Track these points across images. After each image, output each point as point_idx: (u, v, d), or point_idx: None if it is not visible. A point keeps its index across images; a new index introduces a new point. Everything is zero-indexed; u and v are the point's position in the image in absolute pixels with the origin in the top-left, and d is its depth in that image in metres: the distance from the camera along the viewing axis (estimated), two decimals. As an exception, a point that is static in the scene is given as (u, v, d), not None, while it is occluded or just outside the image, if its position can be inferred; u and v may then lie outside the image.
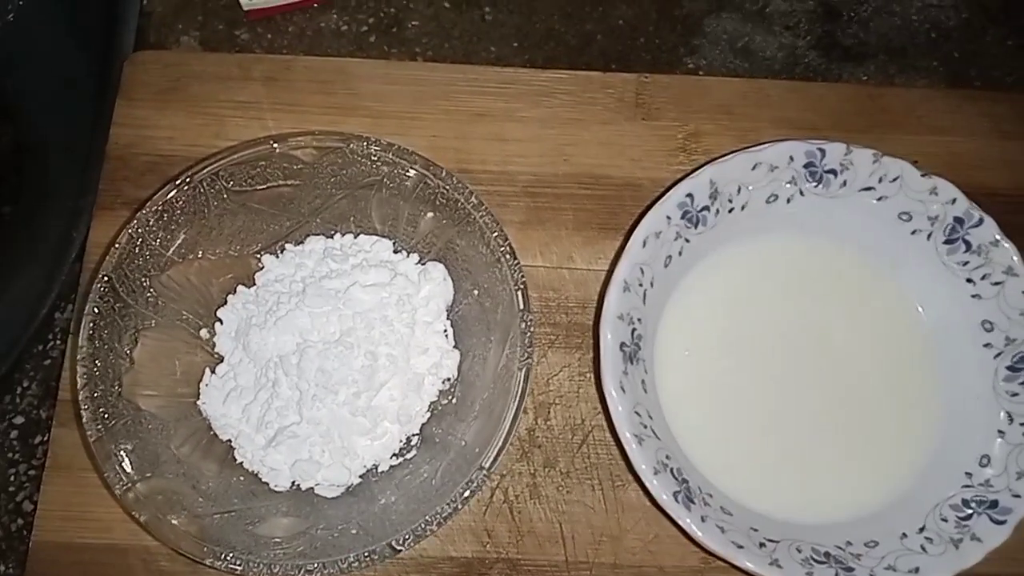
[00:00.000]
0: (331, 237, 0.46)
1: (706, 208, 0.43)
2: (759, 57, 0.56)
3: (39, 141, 0.51)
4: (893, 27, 0.57)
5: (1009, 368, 0.42)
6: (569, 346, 0.47)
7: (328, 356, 0.42)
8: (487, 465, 0.38)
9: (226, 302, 0.45)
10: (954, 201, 0.43)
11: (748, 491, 0.42)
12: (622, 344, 0.41)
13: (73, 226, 0.49)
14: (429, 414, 0.44)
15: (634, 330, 0.41)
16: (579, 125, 0.51)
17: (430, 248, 0.46)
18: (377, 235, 0.46)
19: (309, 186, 0.44)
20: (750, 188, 0.44)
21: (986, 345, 0.43)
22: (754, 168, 0.43)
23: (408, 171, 0.43)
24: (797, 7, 0.57)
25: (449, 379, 0.45)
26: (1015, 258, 0.42)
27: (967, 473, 0.41)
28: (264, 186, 0.43)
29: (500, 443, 0.39)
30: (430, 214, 0.44)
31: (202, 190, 0.42)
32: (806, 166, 0.44)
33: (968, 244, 0.43)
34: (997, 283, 0.42)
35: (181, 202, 0.42)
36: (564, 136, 0.51)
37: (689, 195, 0.43)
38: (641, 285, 0.42)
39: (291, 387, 0.42)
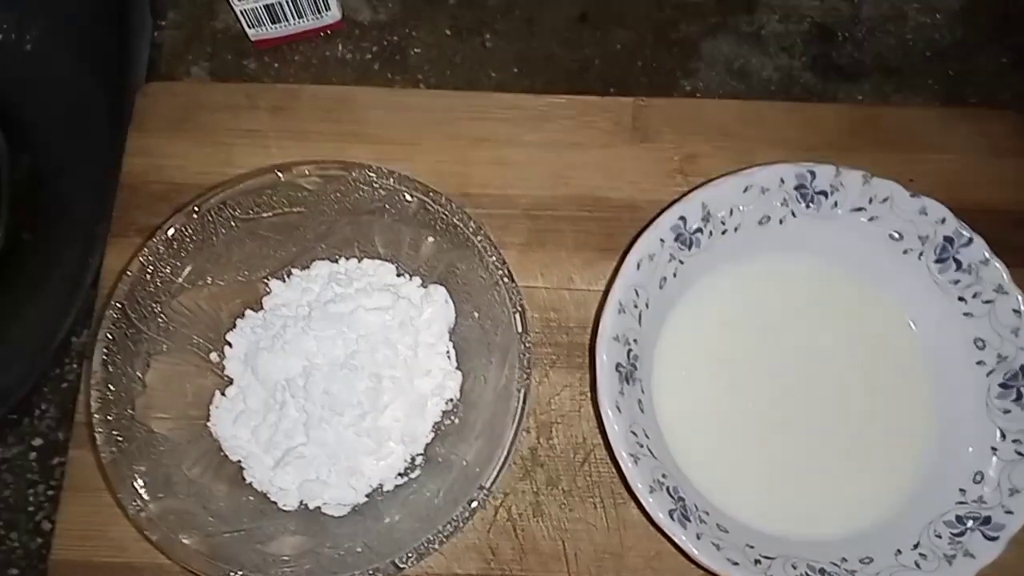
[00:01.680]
0: (336, 262, 0.47)
1: (699, 230, 0.44)
2: (755, 79, 0.56)
3: (55, 168, 0.52)
4: (888, 47, 0.57)
5: (1001, 385, 0.42)
6: (570, 366, 0.48)
7: (334, 378, 0.43)
8: (487, 484, 0.39)
9: (235, 326, 0.46)
10: (944, 220, 0.43)
11: (744, 508, 0.43)
12: (618, 365, 0.41)
13: (89, 252, 0.50)
14: (433, 434, 0.45)
15: (630, 351, 0.42)
16: (578, 149, 0.51)
17: (432, 272, 0.46)
18: (380, 259, 0.47)
19: (314, 213, 0.45)
20: (742, 210, 0.44)
21: (978, 363, 0.43)
22: (746, 190, 0.44)
23: (408, 197, 0.43)
24: (792, 28, 0.58)
25: (452, 400, 0.45)
26: (1005, 276, 0.42)
27: (961, 490, 0.42)
28: (270, 213, 0.44)
29: (500, 462, 0.39)
30: (431, 239, 0.45)
31: (210, 218, 0.43)
32: (797, 188, 0.44)
33: (959, 263, 0.43)
34: (988, 301, 0.43)
35: (190, 230, 0.42)
36: (563, 159, 0.51)
37: (682, 218, 0.43)
38: (636, 306, 0.43)
39: (298, 409, 0.43)
